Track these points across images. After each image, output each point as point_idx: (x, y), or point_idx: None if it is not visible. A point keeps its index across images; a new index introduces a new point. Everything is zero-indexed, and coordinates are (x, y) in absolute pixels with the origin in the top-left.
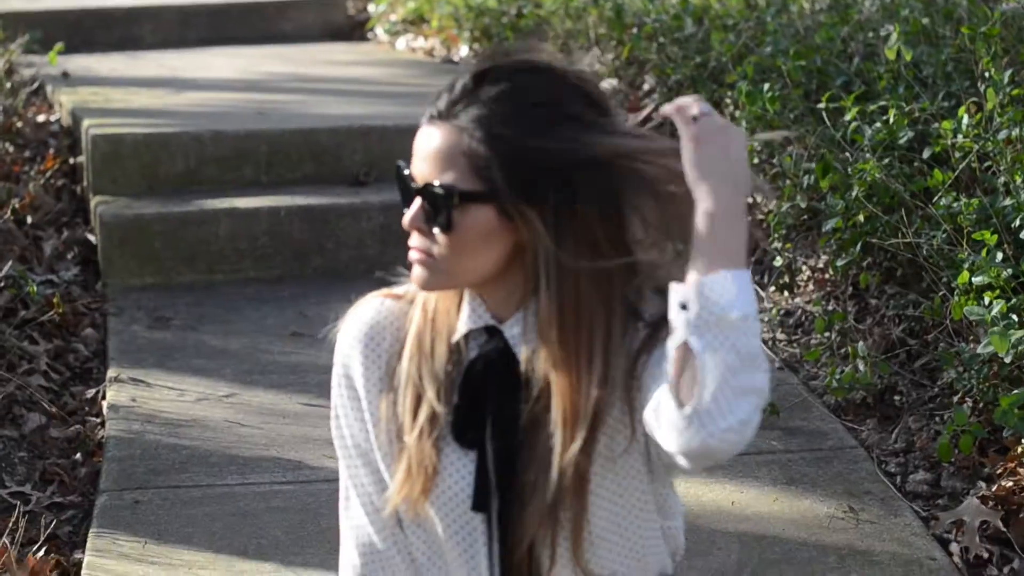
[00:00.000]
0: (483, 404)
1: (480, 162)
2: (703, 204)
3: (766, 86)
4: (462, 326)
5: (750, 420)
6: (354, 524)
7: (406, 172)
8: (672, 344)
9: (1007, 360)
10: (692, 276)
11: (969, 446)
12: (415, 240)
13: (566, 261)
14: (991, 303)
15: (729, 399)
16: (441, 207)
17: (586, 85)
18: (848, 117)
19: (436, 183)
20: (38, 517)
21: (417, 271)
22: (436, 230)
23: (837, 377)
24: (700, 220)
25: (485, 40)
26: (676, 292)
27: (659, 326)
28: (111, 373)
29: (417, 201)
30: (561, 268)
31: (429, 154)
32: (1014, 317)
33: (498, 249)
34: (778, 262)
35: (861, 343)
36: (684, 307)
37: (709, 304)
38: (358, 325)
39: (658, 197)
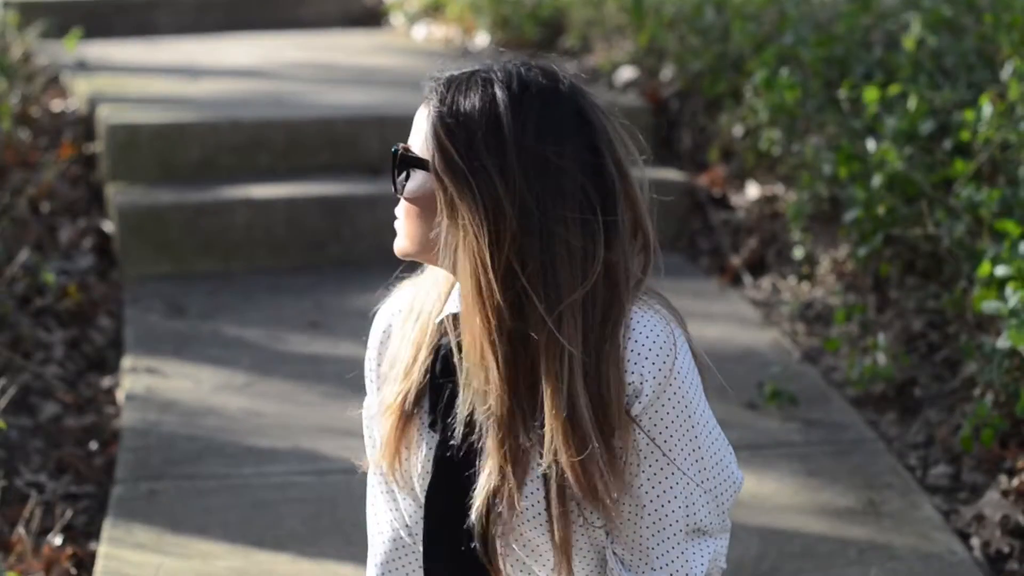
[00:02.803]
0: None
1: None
2: None
3: (784, 70)
4: (448, 308)
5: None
6: (380, 522)
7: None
8: None
9: None
10: None
11: (990, 439)
12: (397, 205)
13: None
14: (1014, 293)
15: None
16: (399, 170)
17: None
18: (867, 99)
19: (406, 152)
20: (53, 507)
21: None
22: (398, 193)
23: (857, 370)
24: None
25: (503, 29)
26: None
27: None
28: (127, 362)
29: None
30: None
31: (416, 126)
32: None
33: (431, 223)
34: (798, 253)
35: (882, 335)
36: None
37: None
38: (384, 316)
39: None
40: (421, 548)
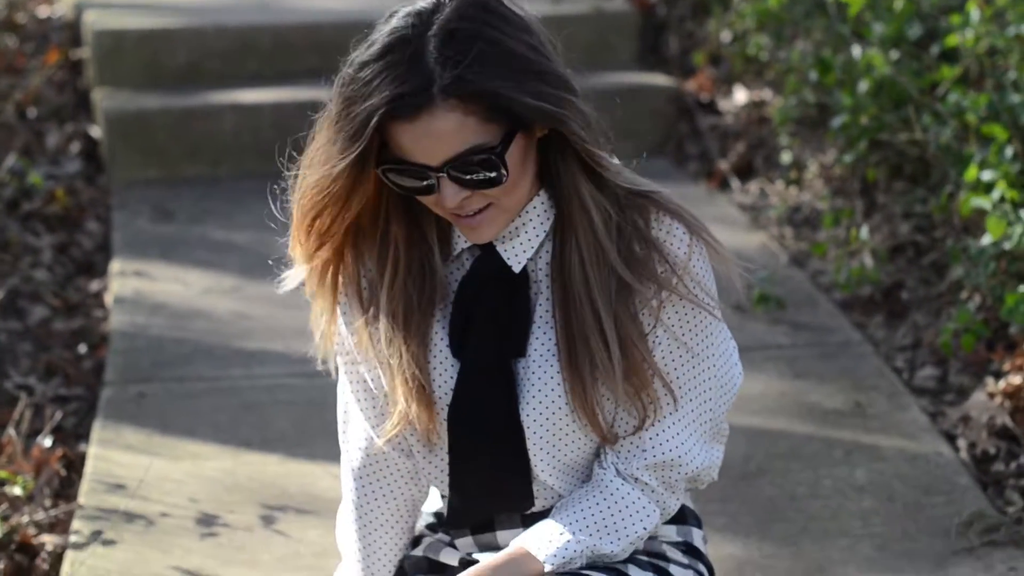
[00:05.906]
0: (474, 315)
1: (488, 109)
2: None
3: None
4: (458, 244)
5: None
6: (354, 430)
7: (418, 164)
8: None
9: (1007, 247)
10: None
11: (971, 344)
12: (469, 206)
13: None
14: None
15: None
16: (489, 166)
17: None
18: (851, 1)
19: (475, 153)
20: (43, 409)
21: (482, 227)
22: (493, 188)
23: (844, 273)
24: None
25: None
26: None
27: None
28: (115, 266)
29: (447, 183)
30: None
31: (441, 137)
32: (1023, 213)
33: (532, 165)
34: (785, 157)
35: (864, 227)
36: None
37: None
38: None
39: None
40: (394, 454)
